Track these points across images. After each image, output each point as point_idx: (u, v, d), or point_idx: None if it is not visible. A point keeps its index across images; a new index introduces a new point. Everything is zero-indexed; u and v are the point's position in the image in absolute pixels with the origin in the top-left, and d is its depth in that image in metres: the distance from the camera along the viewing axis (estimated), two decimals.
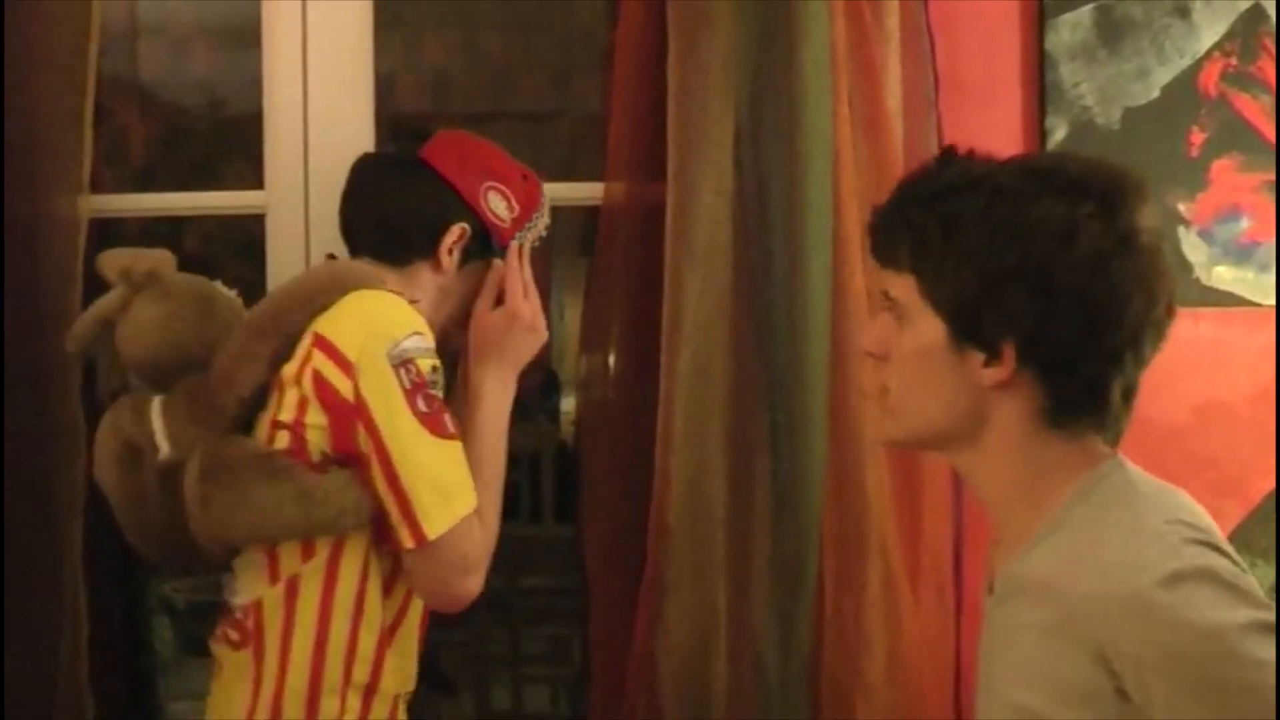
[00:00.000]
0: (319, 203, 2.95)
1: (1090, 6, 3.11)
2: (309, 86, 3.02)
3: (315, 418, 2.40)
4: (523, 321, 2.64)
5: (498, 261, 2.68)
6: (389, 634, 2.49)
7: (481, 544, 2.46)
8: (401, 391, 2.39)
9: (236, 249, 4.95)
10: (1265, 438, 2.94)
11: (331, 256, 2.68)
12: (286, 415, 2.41)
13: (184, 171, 4.94)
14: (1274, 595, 2.03)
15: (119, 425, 2.49)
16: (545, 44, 4.97)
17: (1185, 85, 3.14)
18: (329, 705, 2.43)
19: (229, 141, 4.68)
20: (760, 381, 2.92)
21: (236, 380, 2.43)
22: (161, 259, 2.57)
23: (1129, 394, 1.90)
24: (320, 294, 2.47)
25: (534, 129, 4.89)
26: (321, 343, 2.41)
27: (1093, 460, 1.90)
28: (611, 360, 3.06)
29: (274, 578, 2.44)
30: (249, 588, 2.46)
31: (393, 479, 2.39)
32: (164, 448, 2.42)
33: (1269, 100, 3.15)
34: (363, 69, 3.06)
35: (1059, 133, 3.09)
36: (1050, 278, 1.82)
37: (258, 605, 2.44)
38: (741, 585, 2.92)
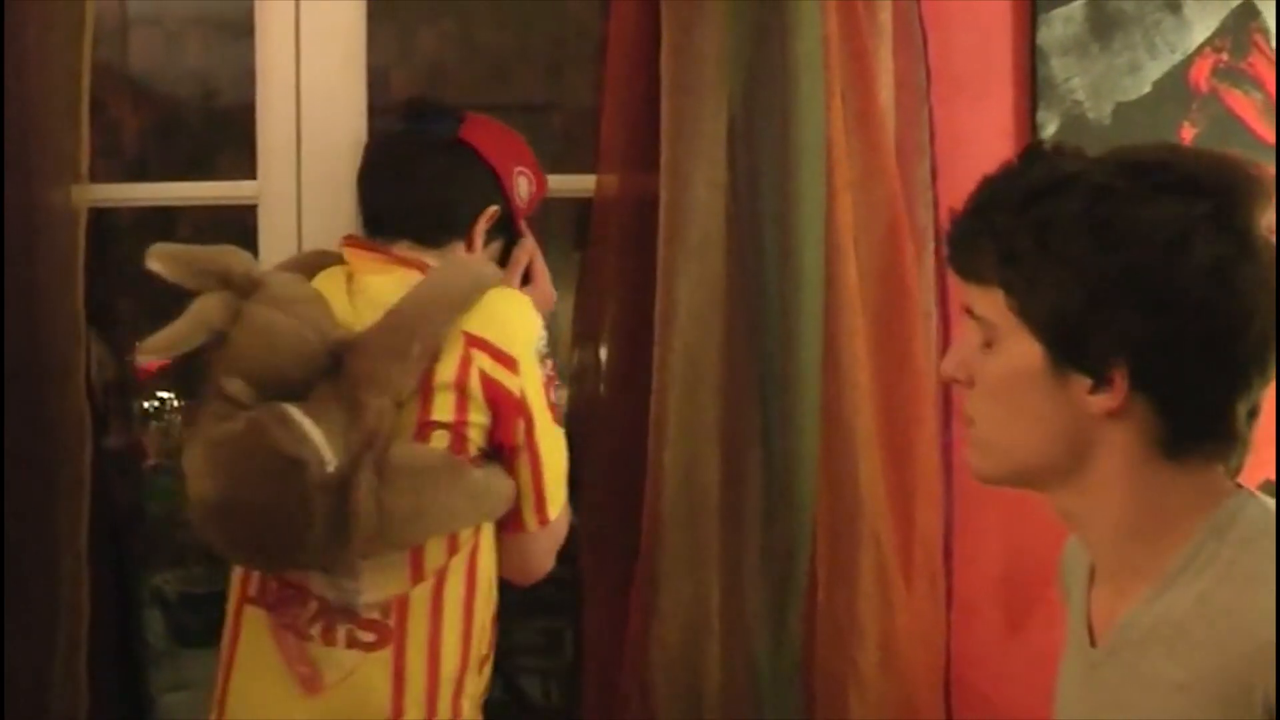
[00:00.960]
0: (311, 193, 2.98)
1: (1082, 1, 3.13)
2: (302, 78, 3.02)
3: (478, 416, 2.48)
4: (551, 299, 2.81)
5: (528, 241, 2.80)
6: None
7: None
8: (542, 385, 2.53)
9: (229, 240, 4.96)
10: None
11: (352, 239, 2.68)
12: (444, 415, 2.46)
13: (177, 162, 4.94)
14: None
15: (267, 438, 2.34)
16: (539, 36, 4.97)
17: (1176, 80, 3.15)
18: (471, 683, 2.55)
19: (222, 133, 4.68)
20: (753, 373, 2.93)
21: (391, 383, 2.42)
22: (246, 259, 2.53)
23: (1253, 416, 1.68)
24: (464, 294, 2.51)
25: (528, 121, 4.89)
26: (478, 343, 2.49)
27: (1217, 492, 1.69)
28: (603, 353, 3.07)
29: (418, 574, 2.49)
30: (384, 586, 2.49)
31: (537, 468, 2.54)
32: (330, 460, 2.34)
33: (1260, 96, 3.17)
34: (356, 60, 3.06)
35: (1050, 127, 3.10)
36: (1166, 289, 1.60)
37: (402, 602, 2.49)
38: (734, 577, 2.94)
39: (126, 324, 3.35)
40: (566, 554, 3.03)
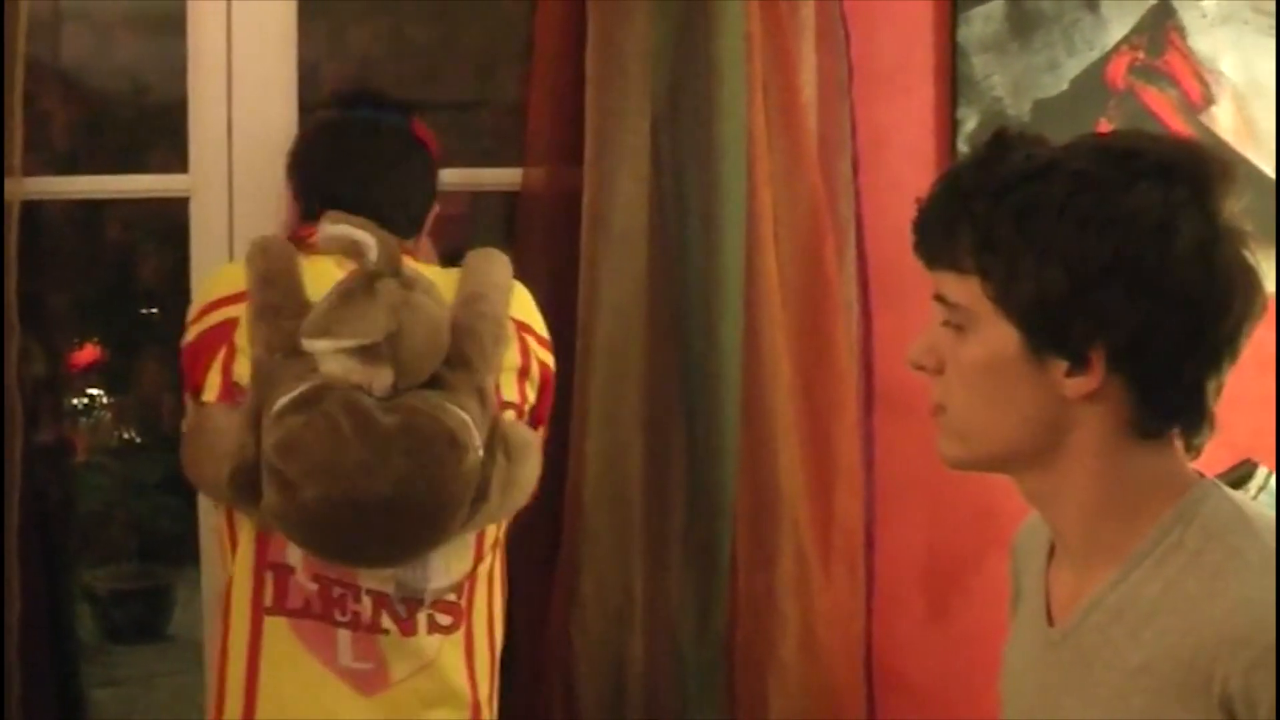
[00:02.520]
0: (243, 187, 2.98)
1: (1002, 0, 3.17)
2: (233, 74, 3.02)
3: (532, 395, 2.57)
4: None
5: (427, 240, 2.78)
6: None
7: None
8: None
9: (158, 235, 4.95)
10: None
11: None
12: (511, 396, 2.53)
13: (107, 157, 4.92)
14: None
15: (441, 428, 2.29)
16: (469, 33, 4.97)
17: (1094, 78, 3.20)
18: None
19: (153, 128, 4.67)
20: (675, 363, 2.96)
21: (498, 367, 2.48)
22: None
23: (1218, 393, 1.70)
24: (510, 283, 2.60)
25: (458, 117, 4.90)
26: (525, 328, 2.58)
27: (1182, 478, 1.71)
28: None
29: (480, 552, 2.53)
30: (455, 568, 2.50)
31: (549, 440, 2.64)
32: (479, 444, 2.34)
33: (1175, 93, 3.22)
34: (287, 57, 3.06)
35: (970, 123, 3.14)
36: (1151, 274, 1.60)
37: (471, 582, 2.52)
38: (657, 563, 2.97)
39: (56, 319, 3.34)
40: None
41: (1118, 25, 3.21)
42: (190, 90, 3.04)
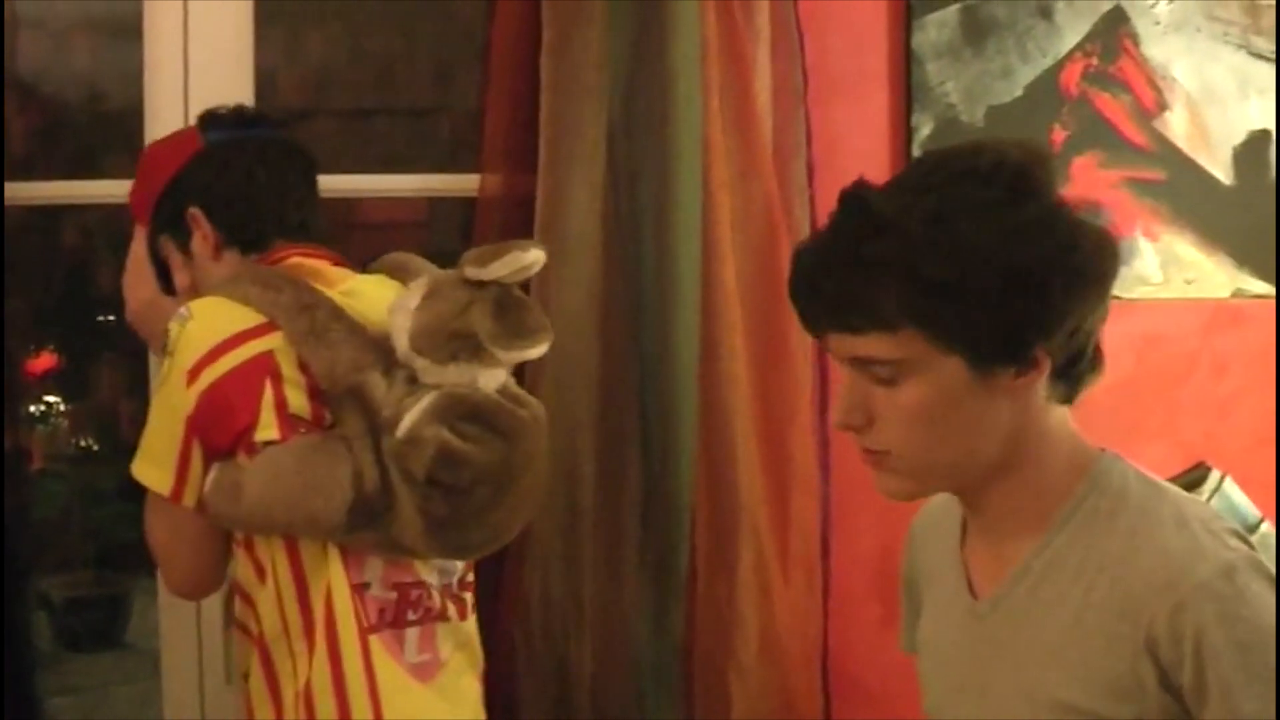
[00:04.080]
0: None
1: (956, 6, 3.18)
2: (190, 80, 3.02)
3: None
4: None
5: None
6: None
7: None
8: None
9: (115, 241, 4.94)
10: (1124, 427, 3.01)
11: (312, 250, 2.56)
12: None
13: (63, 164, 4.91)
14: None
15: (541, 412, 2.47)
16: (426, 40, 4.98)
17: (1047, 84, 3.22)
18: None
19: (108, 135, 4.67)
20: (631, 370, 2.96)
21: None
22: None
23: None
24: None
25: (415, 124, 4.91)
26: None
27: (1088, 449, 1.85)
28: None
29: None
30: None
31: None
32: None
33: (1128, 99, 3.24)
34: (243, 63, 3.07)
35: (924, 129, 3.16)
36: (1076, 264, 1.73)
37: (475, 572, 2.56)
38: (613, 569, 2.97)
39: (13, 325, 3.33)
40: None
41: (1071, 32, 3.22)
42: (147, 96, 3.04)
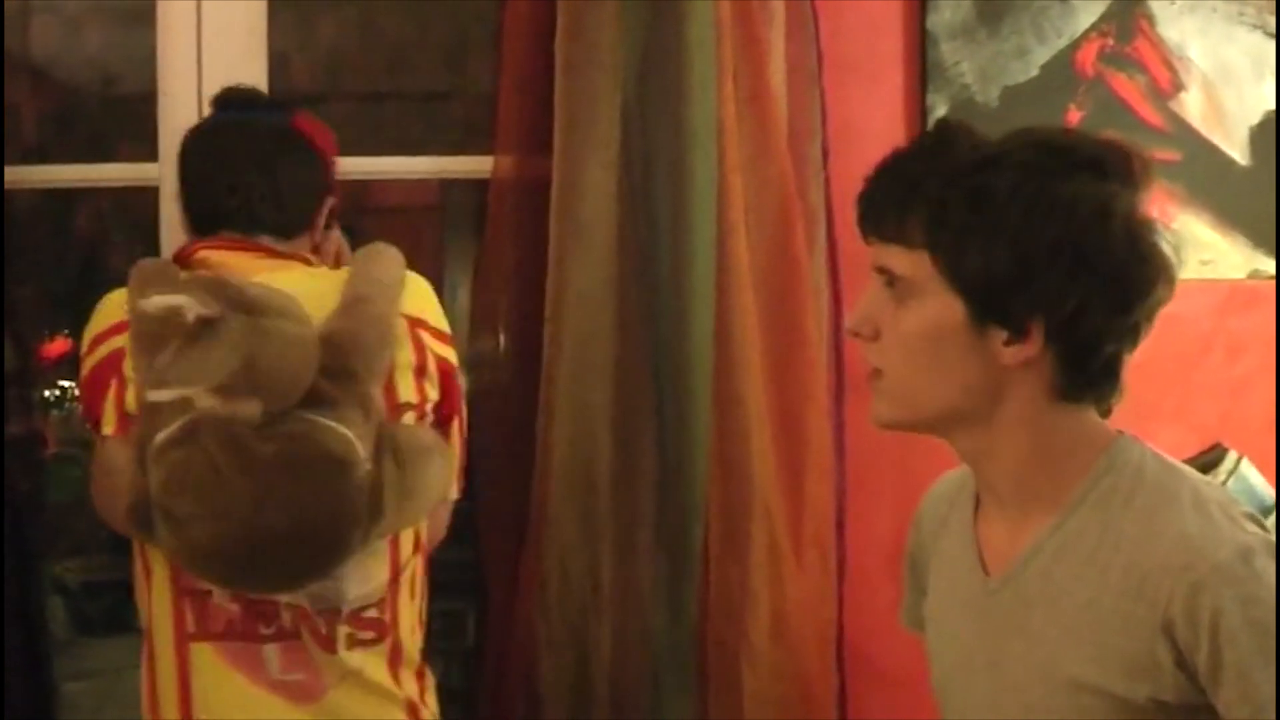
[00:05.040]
0: None
1: None
2: (203, 64, 3.03)
3: (433, 393, 2.49)
4: None
5: (337, 233, 2.72)
6: None
7: None
8: None
9: (127, 227, 4.94)
10: (1139, 408, 3.01)
11: (229, 240, 2.53)
12: (409, 396, 2.45)
13: (77, 149, 4.91)
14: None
15: (322, 449, 2.26)
16: (439, 23, 4.97)
17: (1063, 65, 3.21)
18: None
19: (122, 120, 4.66)
20: (646, 352, 2.97)
21: (382, 373, 2.41)
22: (239, 279, 2.44)
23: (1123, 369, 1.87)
24: (399, 280, 2.51)
25: (428, 107, 4.90)
26: (419, 324, 2.50)
27: (1104, 433, 1.87)
28: (502, 339, 3.09)
29: (398, 563, 2.48)
30: (374, 577, 2.44)
31: (463, 434, 2.59)
32: (366, 458, 2.29)
33: (1144, 80, 3.23)
34: (257, 47, 3.07)
35: (939, 110, 3.15)
36: (1089, 256, 1.76)
37: (394, 592, 2.47)
38: (628, 552, 2.98)
39: (27, 311, 3.33)
40: (467, 536, 3.06)
41: (1086, 12, 3.22)
42: (160, 81, 3.04)
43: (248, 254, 2.51)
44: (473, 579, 3.15)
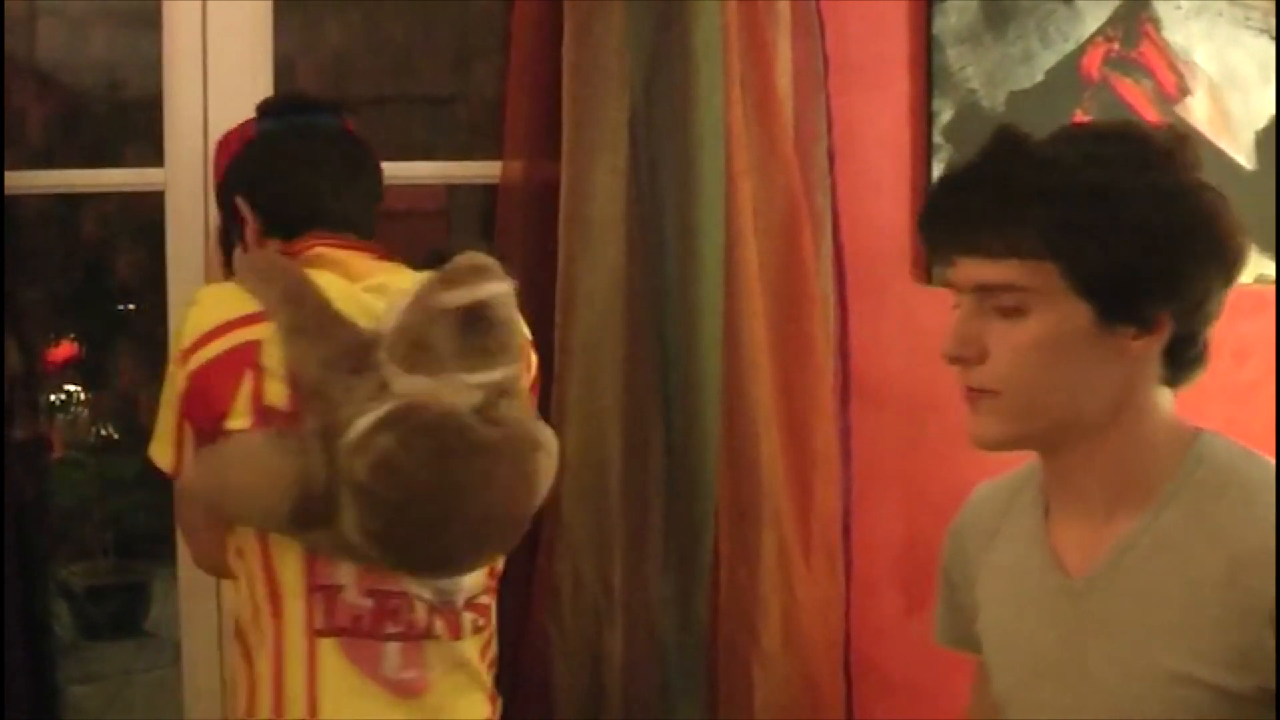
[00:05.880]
0: None
1: None
2: (209, 68, 3.02)
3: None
4: None
5: None
6: None
7: None
8: None
9: (134, 230, 4.95)
10: None
11: (338, 239, 2.53)
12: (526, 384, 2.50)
13: (83, 153, 4.92)
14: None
15: (535, 434, 2.42)
16: (445, 27, 4.99)
17: (1069, 69, 3.21)
18: None
19: (128, 123, 4.67)
20: (654, 355, 2.96)
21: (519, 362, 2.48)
22: None
23: None
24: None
25: (434, 112, 4.91)
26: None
27: (1186, 425, 1.87)
28: None
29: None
30: (478, 579, 2.48)
31: None
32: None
33: (1150, 84, 3.23)
34: (262, 52, 3.06)
35: (945, 115, 3.15)
36: (1214, 238, 1.78)
37: (495, 583, 2.52)
38: (638, 557, 2.97)
39: (33, 315, 3.34)
40: None
41: (1092, 17, 3.22)
42: (166, 85, 3.04)
43: (359, 254, 2.52)
44: None
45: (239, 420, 2.33)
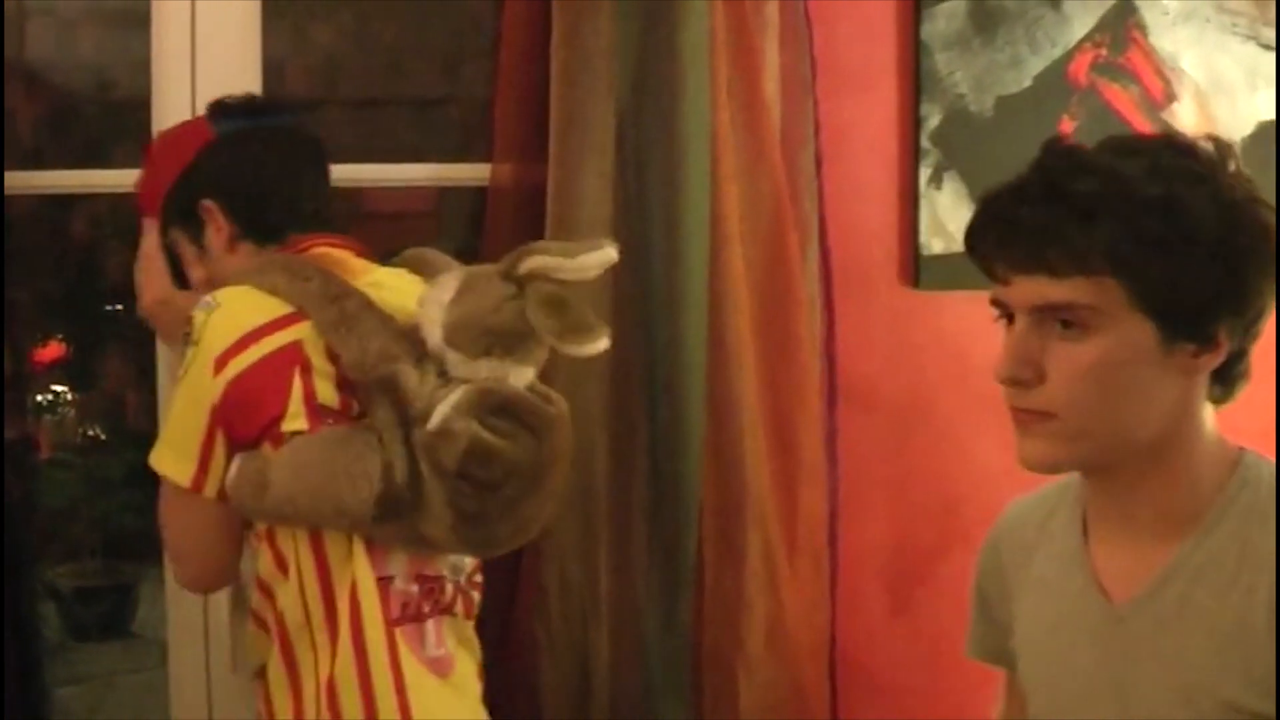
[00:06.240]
0: None
1: None
2: (197, 69, 3.02)
3: None
4: None
5: None
6: None
7: None
8: None
9: (122, 231, 4.94)
10: None
11: (336, 240, 2.56)
12: None
13: (72, 154, 4.91)
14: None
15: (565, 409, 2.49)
16: (435, 30, 4.98)
17: (1056, 75, 3.22)
18: None
19: (117, 125, 4.66)
20: (640, 358, 2.97)
21: None
22: None
23: None
24: None
25: (423, 114, 4.91)
26: None
27: (1229, 444, 1.82)
28: None
29: None
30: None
31: None
32: None
33: (1137, 90, 3.24)
34: (251, 53, 3.07)
35: (933, 120, 3.16)
36: (1266, 255, 1.73)
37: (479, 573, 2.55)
38: (623, 558, 2.99)
39: (21, 315, 3.33)
40: None
41: (1080, 23, 3.23)
42: (154, 86, 3.04)
43: (350, 253, 2.53)
44: None
45: (296, 422, 2.33)
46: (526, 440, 2.35)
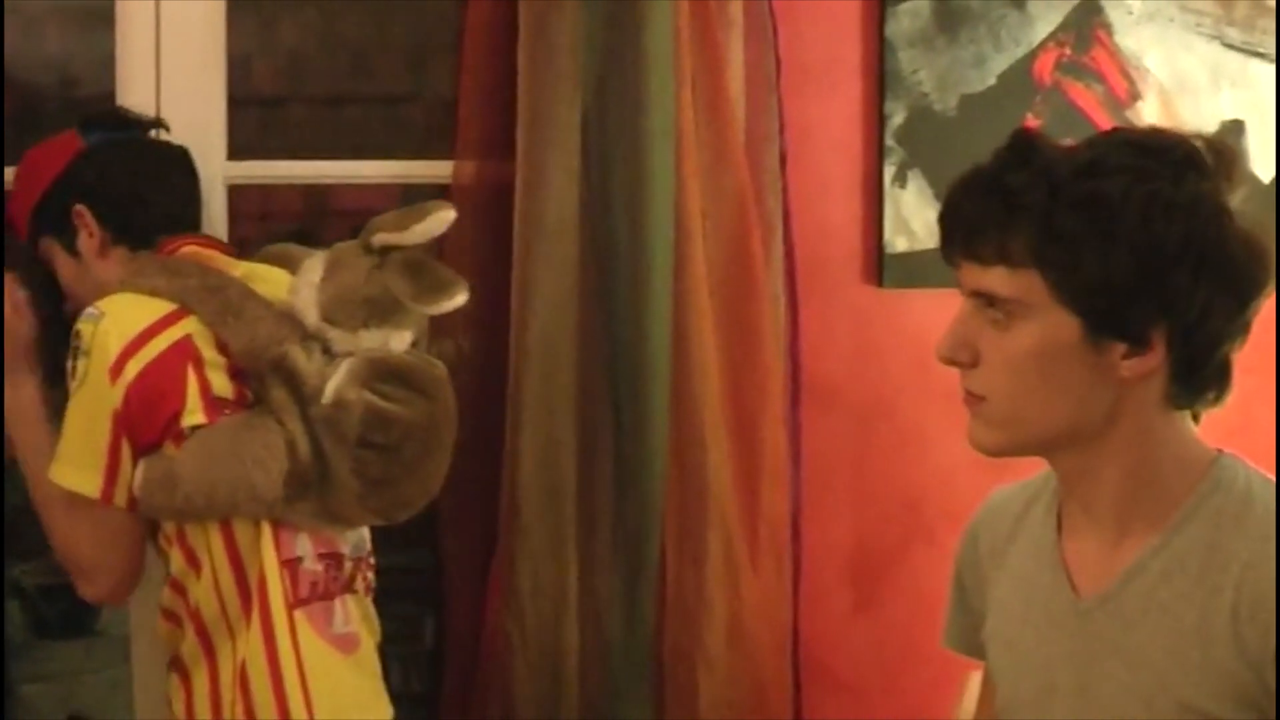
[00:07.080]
0: None
1: None
2: (162, 67, 3.02)
3: None
4: None
5: None
6: None
7: None
8: None
9: None
10: None
11: (210, 241, 2.69)
12: None
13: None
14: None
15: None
16: (400, 27, 4.97)
17: (1021, 73, 3.22)
18: None
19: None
20: (605, 357, 2.97)
21: None
22: None
23: None
24: None
25: (389, 111, 4.90)
26: None
27: (1205, 447, 1.82)
28: (463, 343, 3.09)
29: None
30: (367, 535, 2.62)
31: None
32: None
33: (1101, 89, 3.24)
34: (216, 50, 3.06)
35: (897, 118, 3.16)
36: (1211, 255, 1.70)
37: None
38: (588, 558, 2.98)
39: None
40: (426, 540, 3.06)
41: (1044, 22, 3.23)
42: (119, 83, 3.03)
43: (218, 251, 2.63)
44: (430, 584, 3.15)
45: (195, 416, 2.39)
46: (418, 402, 2.46)
